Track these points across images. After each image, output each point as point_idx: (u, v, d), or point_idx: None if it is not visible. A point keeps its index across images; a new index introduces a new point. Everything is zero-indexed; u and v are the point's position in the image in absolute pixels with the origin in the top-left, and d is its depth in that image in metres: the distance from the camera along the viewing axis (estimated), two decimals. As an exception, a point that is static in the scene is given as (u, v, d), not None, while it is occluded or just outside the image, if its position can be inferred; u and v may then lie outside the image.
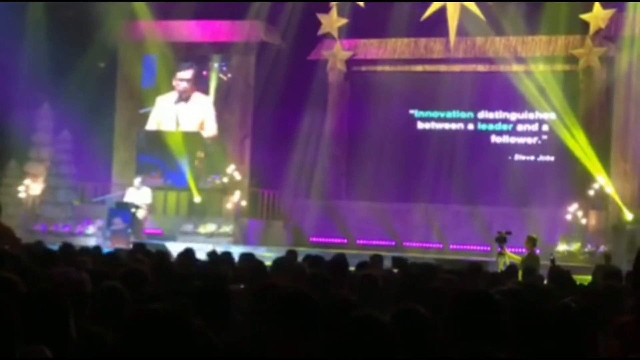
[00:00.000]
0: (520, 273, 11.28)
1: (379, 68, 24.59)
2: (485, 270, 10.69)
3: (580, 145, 21.55)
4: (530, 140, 23.38)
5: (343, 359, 3.36)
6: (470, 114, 23.84)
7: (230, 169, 23.51)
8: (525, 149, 23.34)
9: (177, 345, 3.04)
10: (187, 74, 24.85)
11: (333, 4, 24.26)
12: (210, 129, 24.62)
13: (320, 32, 24.35)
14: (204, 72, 25.04)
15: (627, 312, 5.76)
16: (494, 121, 23.70)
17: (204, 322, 4.09)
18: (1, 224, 9.68)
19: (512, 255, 15.61)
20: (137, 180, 22.06)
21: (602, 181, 21.28)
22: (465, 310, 4.17)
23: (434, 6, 23.32)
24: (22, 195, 23.80)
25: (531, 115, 23.27)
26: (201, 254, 10.91)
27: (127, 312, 4.99)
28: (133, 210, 20.83)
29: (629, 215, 21.03)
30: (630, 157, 21.64)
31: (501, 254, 15.65)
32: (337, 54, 24.32)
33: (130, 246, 17.65)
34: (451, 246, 22.46)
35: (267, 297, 4.13)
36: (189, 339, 3.06)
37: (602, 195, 21.38)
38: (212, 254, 10.38)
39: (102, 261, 8.54)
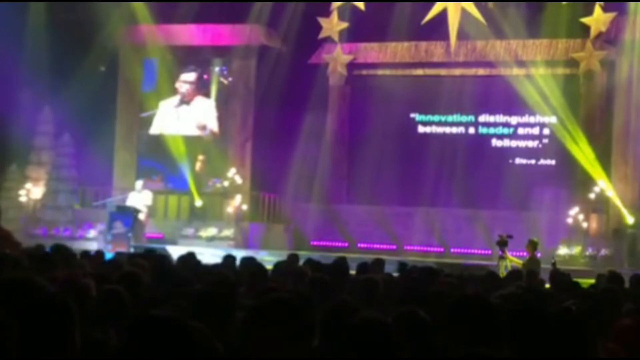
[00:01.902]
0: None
1: (380, 72, 24.60)
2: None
3: (581, 149, 21.56)
4: (531, 144, 23.39)
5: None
6: (471, 118, 23.86)
7: (231, 172, 23.53)
8: (526, 152, 23.35)
9: (177, 350, 3.03)
10: (191, 76, 24.89)
11: (333, 7, 24.27)
12: (213, 132, 24.66)
13: (321, 35, 24.36)
14: (205, 76, 25.06)
15: (627, 315, 5.77)
16: (495, 125, 23.71)
17: (206, 325, 4.09)
18: (1, 228, 9.65)
19: (513, 259, 15.60)
20: (139, 184, 22.06)
21: (603, 185, 21.28)
22: (464, 314, 4.17)
23: (435, 9, 23.33)
24: (22, 199, 23.82)
25: (532, 119, 23.28)
26: (202, 258, 10.91)
27: (127, 315, 4.99)
28: (135, 214, 20.80)
29: (629, 219, 21.03)
30: (631, 160, 21.65)
31: (502, 257, 15.65)
32: (337, 58, 24.33)
33: (132, 250, 17.71)
34: (452, 250, 22.46)
35: (266, 300, 4.13)
36: (189, 343, 3.06)
37: (603, 198, 21.39)
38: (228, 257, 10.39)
39: (102, 264, 8.53)
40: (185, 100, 24.87)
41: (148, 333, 3.05)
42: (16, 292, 4.19)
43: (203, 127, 24.69)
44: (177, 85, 24.88)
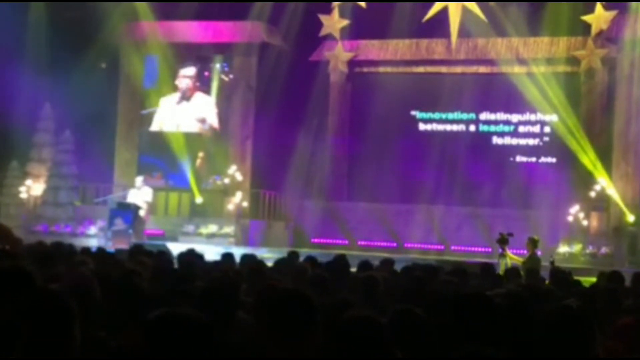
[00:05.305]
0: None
1: (381, 69, 24.61)
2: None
3: (581, 147, 21.56)
4: (532, 142, 23.38)
5: (340, 359, 3.37)
6: (471, 116, 23.86)
7: (232, 169, 23.53)
8: (526, 150, 23.35)
9: (198, 348, 3.03)
10: (190, 70, 24.88)
11: (335, 5, 24.27)
12: (212, 127, 24.66)
13: (322, 33, 24.36)
14: (206, 73, 25.04)
15: (626, 313, 5.77)
16: (496, 122, 23.71)
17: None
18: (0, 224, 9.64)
19: (514, 257, 15.60)
20: (139, 180, 21.99)
21: (604, 183, 21.29)
22: (463, 312, 4.18)
23: (436, 7, 23.32)
24: (23, 195, 23.82)
25: (533, 117, 23.28)
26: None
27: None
28: (136, 211, 20.76)
29: (630, 217, 21.03)
30: (632, 158, 21.64)
31: (502, 255, 15.64)
32: (338, 55, 24.33)
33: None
34: (452, 247, 22.46)
35: (267, 297, 4.13)
36: (209, 340, 3.06)
37: (603, 197, 21.39)
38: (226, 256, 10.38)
39: (102, 261, 8.52)
40: (185, 97, 24.87)
41: (168, 331, 3.04)
42: (11, 283, 4.20)
43: (203, 120, 24.68)
44: (177, 81, 24.90)
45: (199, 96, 24.90)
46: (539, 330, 4.23)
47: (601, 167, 21.40)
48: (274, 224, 24.14)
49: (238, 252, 12.00)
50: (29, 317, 3.55)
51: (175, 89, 24.96)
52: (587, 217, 21.41)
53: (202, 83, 25.00)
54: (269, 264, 9.61)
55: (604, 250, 20.64)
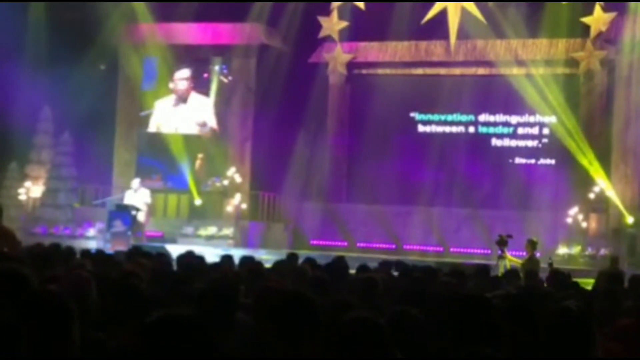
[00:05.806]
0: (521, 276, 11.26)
1: (380, 71, 24.61)
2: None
3: (580, 149, 21.57)
4: (531, 144, 23.39)
5: (340, 359, 3.38)
6: (471, 117, 23.86)
7: (231, 171, 23.53)
8: (525, 152, 23.35)
9: (195, 349, 3.02)
10: (186, 72, 24.87)
11: (334, 6, 24.27)
12: (212, 129, 24.66)
13: (321, 35, 24.36)
14: (205, 75, 25.03)
15: (626, 314, 5.77)
16: (495, 124, 23.71)
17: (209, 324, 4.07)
18: (3, 226, 9.63)
19: (513, 259, 15.62)
20: (136, 182, 21.95)
21: (603, 184, 21.29)
22: (462, 313, 4.18)
23: (435, 9, 23.33)
24: (22, 197, 23.80)
25: (532, 119, 23.28)
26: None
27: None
28: (134, 213, 20.76)
29: (629, 219, 21.03)
30: (631, 160, 21.65)
31: (502, 257, 15.67)
32: (337, 57, 24.33)
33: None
34: (452, 249, 22.45)
35: (267, 299, 4.13)
36: (208, 342, 3.05)
37: (602, 198, 21.40)
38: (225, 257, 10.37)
39: (101, 263, 8.52)
40: (182, 98, 24.86)
41: (167, 332, 3.03)
42: (6, 285, 4.20)
43: (203, 124, 24.68)
44: (172, 85, 24.85)
45: (194, 97, 24.90)
46: (539, 332, 4.22)
47: (600, 168, 21.41)
48: (273, 226, 24.13)
49: (237, 253, 12.01)
50: (29, 318, 3.55)
51: (170, 91, 24.93)
52: (586, 218, 21.41)
53: (201, 85, 24.99)
54: (268, 265, 9.61)
55: (603, 251, 20.64)
